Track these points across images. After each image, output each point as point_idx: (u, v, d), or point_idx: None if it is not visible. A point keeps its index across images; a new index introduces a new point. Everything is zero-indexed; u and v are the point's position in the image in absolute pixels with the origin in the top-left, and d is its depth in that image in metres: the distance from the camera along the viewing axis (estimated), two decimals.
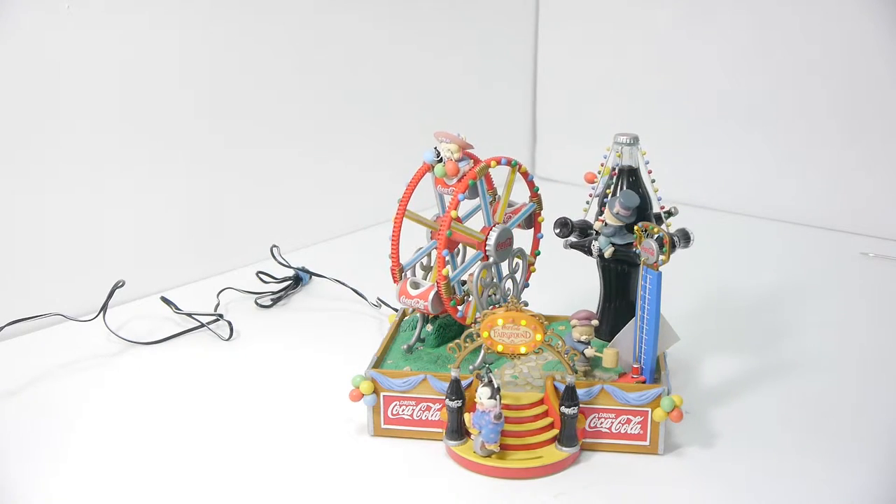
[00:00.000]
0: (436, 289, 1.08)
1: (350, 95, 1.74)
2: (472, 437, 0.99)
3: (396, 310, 1.21)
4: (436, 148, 1.08)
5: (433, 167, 1.08)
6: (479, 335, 0.99)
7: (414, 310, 1.13)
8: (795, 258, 1.66)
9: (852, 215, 1.76)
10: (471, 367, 1.07)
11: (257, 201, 1.62)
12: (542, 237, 1.18)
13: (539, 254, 1.18)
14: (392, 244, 1.11)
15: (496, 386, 0.96)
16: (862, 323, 1.37)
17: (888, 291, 1.50)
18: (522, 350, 0.99)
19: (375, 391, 1.05)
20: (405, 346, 1.12)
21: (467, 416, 0.99)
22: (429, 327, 1.14)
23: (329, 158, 1.74)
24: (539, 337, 0.98)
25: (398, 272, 1.12)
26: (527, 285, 1.17)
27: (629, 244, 1.09)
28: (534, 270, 1.17)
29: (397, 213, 1.09)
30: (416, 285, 1.11)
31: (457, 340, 1.02)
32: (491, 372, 0.97)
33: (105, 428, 1.09)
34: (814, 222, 1.79)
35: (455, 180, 1.07)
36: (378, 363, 1.09)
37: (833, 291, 1.49)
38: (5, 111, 1.29)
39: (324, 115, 1.71)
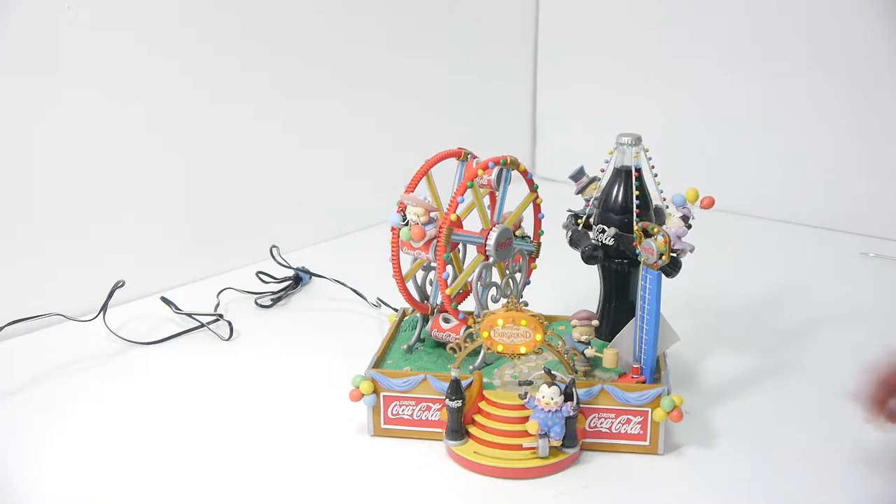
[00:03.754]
0: (466, 326, 1.09)
1: (351, 95, 1.74)
2: (527, 444, 0.98)
3: (396, 309, 1.21)
4: (402, 211, 1.08)
5: (399, 230, 1.08)
6: (479, 335, 0.99)
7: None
8: (795, 258, 1.66)
9: (852, 215, 1.76)
10: (470, 367, 1.07)
11: (257, 201, 1.62)
12: (528, 283, 1.16)
13: (542, 233, 1.17)
14: (409, 302, 1.13)
15: (570, 379, 0.97)
16: (862, 323, 1.37)
17: (888, 291, 1.50)
18: (522, 350, 0.99)
19: (375, 391, 1.05)
20: (405, 346, 1.12)
21: (531, 425, 0.97)
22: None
23: (329, 159, 1.74)
24: (539, 337, 0.98)
25: (432, 310, 1.13)
26: (528, 282, 1.17)
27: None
28: (535, 267, 1.17)
29: (400, 289, 1.12)
30: (447, 320, 1.12)
31: (457, 340, 1.02)
32: (552, 371, 0.98)
33: (105, 428, 1.09)
34: (814, 222, 1.79)
35: (421, 243, 1.07)
36: (378, 363, 1.09)
37: (833, 291, 1.49)
38: (5, 110, 1.29)
39: (324, 115, 1.70)
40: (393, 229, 1.09)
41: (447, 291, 1.07)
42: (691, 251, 1.06)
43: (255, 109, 1.59)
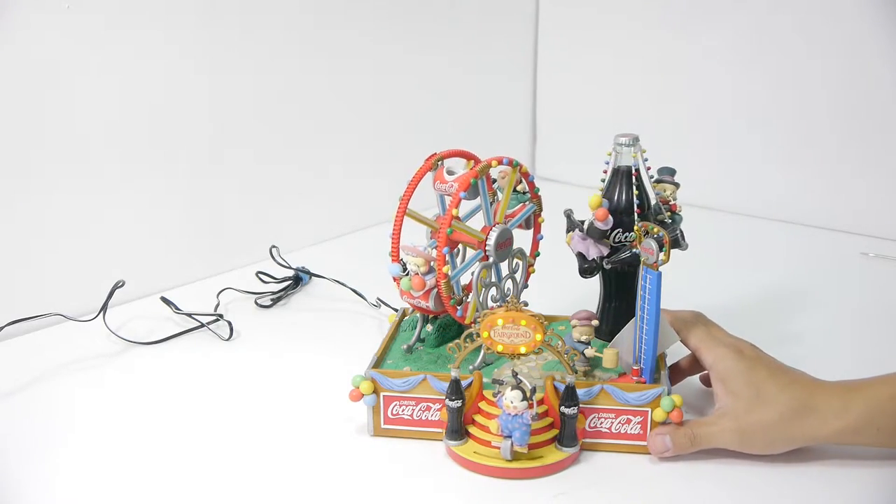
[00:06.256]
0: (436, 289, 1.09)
1: (350, 96, 1.74)
2: (496, 443, 0.98)
3: (396, 309, 1.21)
4: (402, 261, 1.09)
5: (400, 280, 1.09)
6: (478, 335, 0.99)
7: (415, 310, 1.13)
8: (795, 258, 1.66)
9: (852, 215, 1.76)
10: (470, 367, 1.07)
11: (257, 201, 1.62)
12: (542, 238, 1.18)
13: (539, 255, 1.18)
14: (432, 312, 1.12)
15: (532, 387, 0.96)
16: (862, 323, 1.37)
17: (888, 291, 1.50)
18: (522, 350, 0.99)
19: (375, 391, 1.04)
20: (405, 346, 1.12)
21: (493, 424, 0.98)
22: (429, 327, 1.14)
23: (329, 158, 1.74)
24: (539, 337, 0.98)
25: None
26: (525, 286, 1.17)
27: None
28: (532, 272, 1.17)
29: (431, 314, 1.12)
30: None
31: (457, 340, 1.02)
32: (518, 375, 0.97)
33: (105, 428, 1.09)
34: (814, 222, 1.79)
35: (421, 293, 1.08)
36: (378, 363, 1.09)
37: (833, 291, 1.49)
38: (5, 111, 1.29)
39: (324, 115, 1.71)
40: (395, 279, 1.10)
41: (467, 321, 1.09)
42: (598, 257, 1.10)
43: (255, 109, 1.59)
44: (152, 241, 1.48)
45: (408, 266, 1.09)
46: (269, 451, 1.04)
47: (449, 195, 1.10)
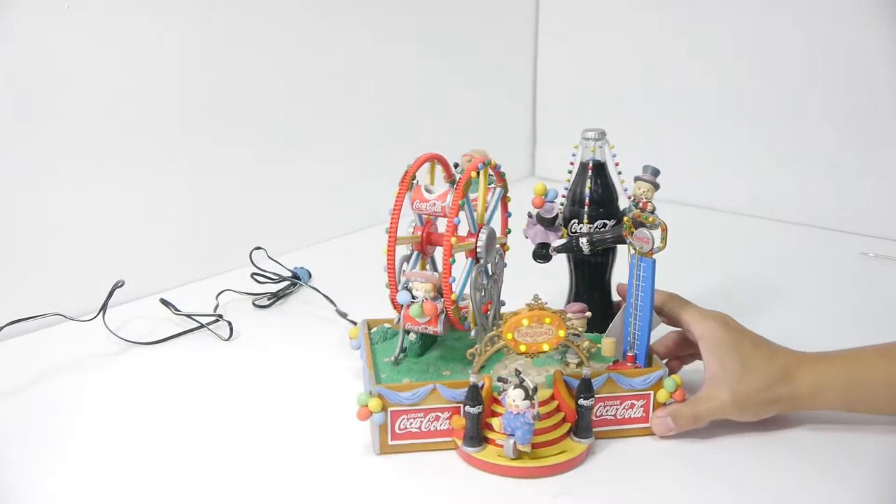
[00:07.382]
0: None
1: (350, 97, 1.74)
2: (500, 441, 0.98)
3: (355, 322, 1.19)
4: (408, 288, 1.07)
5: (409, 307, 1.07)
6: (500, 338, 0.99)
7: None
8: (795, 258, 1.66)
9: (852, 215, 1.76)
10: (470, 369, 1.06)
11: (257, 202, 1.63)
12: (510, 216, 1.17)
13: (510, 231, 1.17)
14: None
15: (533, 387, 0.96)
16: (862, 323, 1.37)
17: (888, 291, 1.50)
18: (545, 347, 0.99)
19: (384, 408, 1.00)
20: (391, 359, 1.10)
21: (496, 421, 0.98)
22: (412, 336, 1.12)
23: (329, 159, 1.74)
24: (562, 333, 0.98)
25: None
26: (505, 265, 1.16)
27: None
28: (507, 249, 1.16)
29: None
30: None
31: (477, 345, 1.01)
32: (521, 374, 0.97)
33: (105, 428, 1.09)
34: (814, 222, 1.79)
35: (429, 318, 1.06)
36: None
37: (833, 291, 1.49)
38: (5, 111, 1.29)
39: (323, 116, 1.71)
40: (396, 306, 1.09)
41: (472, 328, 1.09)
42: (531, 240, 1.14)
43: (255, 109, 1.60)
44: (152, 242, 1.49)
45: (415, 292, 1.07)
46: (270, 451, 1.04)
47: (432, 214, 1.09)
